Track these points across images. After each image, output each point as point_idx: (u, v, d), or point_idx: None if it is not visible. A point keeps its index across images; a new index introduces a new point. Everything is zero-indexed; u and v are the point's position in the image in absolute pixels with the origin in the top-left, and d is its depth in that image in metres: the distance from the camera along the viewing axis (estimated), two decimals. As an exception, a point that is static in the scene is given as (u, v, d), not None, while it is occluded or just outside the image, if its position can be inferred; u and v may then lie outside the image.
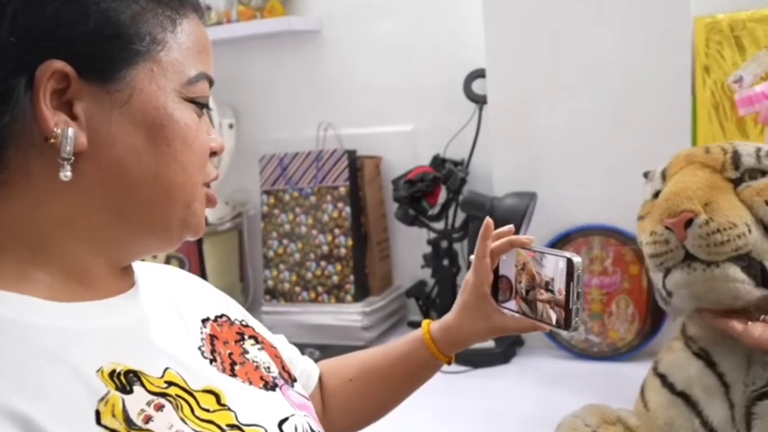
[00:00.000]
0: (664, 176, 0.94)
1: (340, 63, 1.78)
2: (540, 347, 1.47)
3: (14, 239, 0.54)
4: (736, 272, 0.81)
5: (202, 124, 0.60)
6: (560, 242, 1.46)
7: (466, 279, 0.82)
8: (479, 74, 1.53)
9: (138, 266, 0.65)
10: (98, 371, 0.52)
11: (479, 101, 1.55)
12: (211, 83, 0.62)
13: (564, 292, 0.71)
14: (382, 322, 1.67)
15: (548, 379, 1.35)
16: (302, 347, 1.54)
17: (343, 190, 1.65)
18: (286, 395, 0.68)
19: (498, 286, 0.81)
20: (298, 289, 1.69)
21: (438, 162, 1.57)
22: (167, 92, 0.56)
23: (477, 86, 1.55)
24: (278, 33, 1.76)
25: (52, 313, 0.53)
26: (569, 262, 0.70)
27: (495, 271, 0.80)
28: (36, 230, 0.54)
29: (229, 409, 0.59)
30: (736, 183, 0.86)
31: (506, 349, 1.42)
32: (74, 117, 0.53)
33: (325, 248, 1.66)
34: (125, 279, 0.62)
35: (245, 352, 0.69)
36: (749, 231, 0.81)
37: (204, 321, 0.68)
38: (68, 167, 0.52)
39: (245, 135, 1.87)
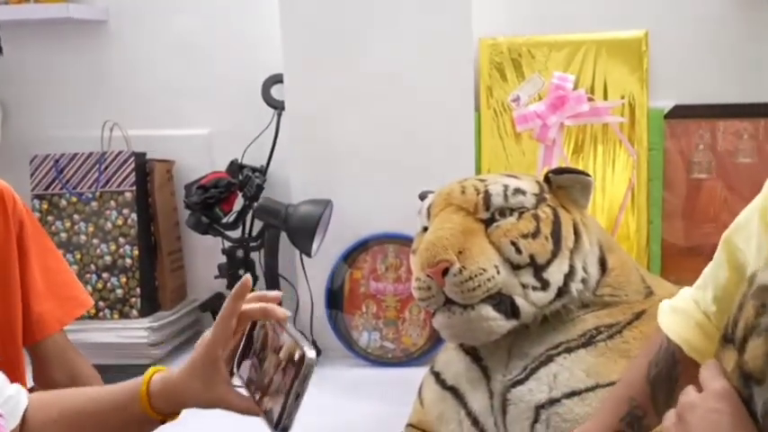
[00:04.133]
0: (429, 213, 1.02)
1: (129, 58, 1.73)
2: (337, 357, 1.52)
3: None
4: (488, 312, 0.92)
5: None
6: (357, 249, 1.52)
7: (203, 335, 0.76)
8: (278, 79, 1.55)
9: None
10: None
11: (278, 106, 1.57)
12: None
13: (288, 385, 0.66)
14: (174, 338, 1.65)
15: (345, 388, 1.39)
16: None
17: (129, 195, 1.60)
18: None
19: (245, 354, 0.76)
20: None
21: (235, 168, 1.58)
22: None
23: (275, 91, 1.57)
24: (56, 20, 1.67)
25: None
26: (301, 358, 0.65)
27: (248, 336, 0.76)
28: None
29: None
30: (488, 222, 0.96)
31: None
32: None
33: (108, 259, 1.61)
34: None
35: None
36: (498, 273, 0.93)
37: None
38: None
39: (13, 131, 1.75)
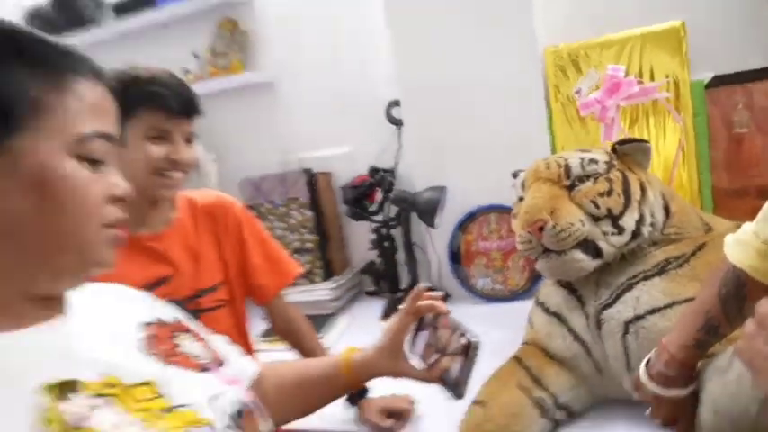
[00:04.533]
0: (523, 186, 1.00)
1: (293, 104, 1.76)
2: (460, 298, 1.51)
3: None
4: (578, 255, 0.89)
5: (100, 176, 0.51)
6: (467, 220, 1.50)
7: (389, 326, 0.74)
8: (396, 103, 1.55)
9: (78, 293, 0.56)
10: (34, 389, 0.46)
11: (398, 123, 1.57)
12: (111, 139, 0.52)
13: (460, 364, 0.65)
14: (345, 294, 1.68)
15: (468, 320, 1.33)
16: None
17: (304, 200, 1.64)
18: (217, 375, 0.63)
19: (416, 339, 0.73)
20: None
21: (373, 171, 1.58)
22: (54, 152, 0.47)
23: (395, 112, 1.57)
24: (241, 86, 1.75)
25: None
26: (468, 343, 0.65)
27: (417, 325, 0.73)
28: None
29: (163, 395, 0.53)
30: (570, 188, 0.93)
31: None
32: None
33: (297, 245, 1.66)
34: (53, 307, 0.53)
35: (178, 345, 0.62)
36: (582, 225, 0.89)
37: (143, 325, 0.61)
38: None
39: (226, 165, 1.83)
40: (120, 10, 1.73)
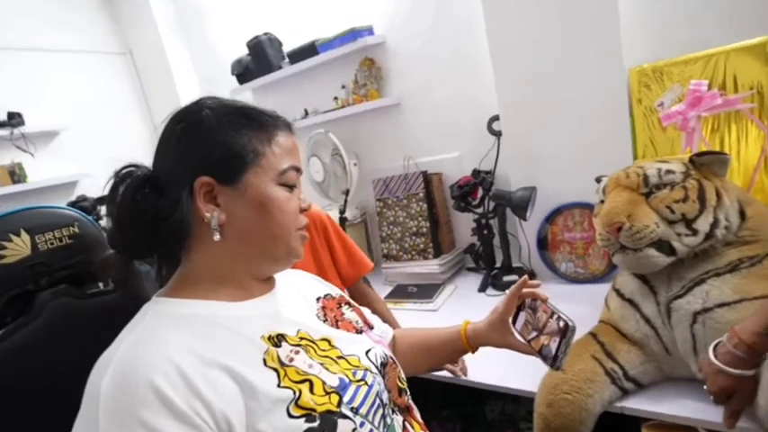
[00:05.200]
0: (604, 191, 0.95)
1: (413, 120, 1.78)
2: (547, 279, 1.45)
3: (204, 273, 0.56)
4: (652, 252, 0.83)
5: (294, 195, 0.57)
6: (554, 214, 1.44)
7: (497, 306, 0.74)
8: (496, 117, 1.52)
9: (278, 274, 0.63)
10: (261, 337, 0.53)
11: (497, 134, 1.54)
12: (299, 171, 0.58)
13: (558, 342, 0.63)
14: (451, 269, 1.69)
15: (553, 299, 1.32)
16: (406, 287, 1.63)
17: (421, 194, 1.66)
18: (368, 336, 0.66)
19: (517, 317, 0.73)
20: (401, 253, 1.71)
21: (476, 173, 1.57)
22: (267, 182, 0.55)
23: (495, 125, 1.54)
24: (376, 108, 1.79)
25: (232, 309, 0.54)
26: (566, 326, 0.63)
27: (519, 306, 0.72)
28: (213, 267, 0.55)
29: (337, 347, 0.58)
30: (648, 195, 0.86)
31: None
32: (217, 205, 0.54)
33: (414, 229, 1.69)
34: (268, 284, 0.61)
35: (343, 314, 0.67)
36: (657, 227, 0.82)
37: (318, 299, 0.67)
38: (217, 233, 0.54)
39: (364, 168, 1.90)
40: (293, 57, 1.89)
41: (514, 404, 1.34)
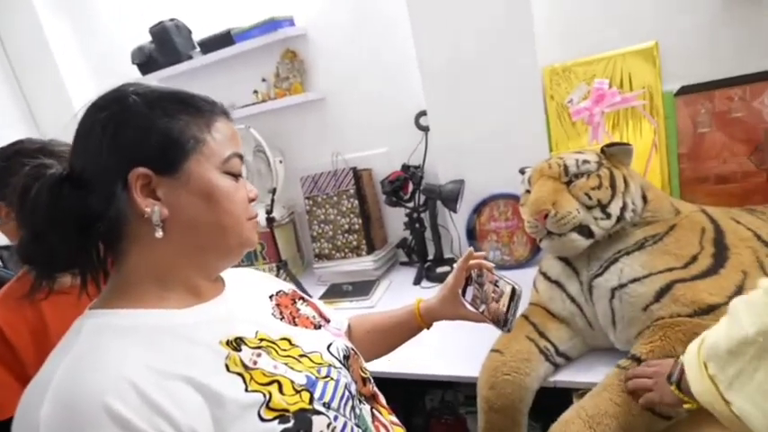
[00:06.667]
0: (529, 182, 1.00)
1: (339, 115, 1.75)
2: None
3: (146, 277, 0.51)
4: (575, 236, 0.90)
5: (241, 185, 0.55)
6: (481, 205, 1.50)
7: (447, 280, 0.76)
8: (423, 113, 1.55)
9: (226, 274, 0.61)
10: (219, 342, 0.50)
11: (425, 129, 1.57)
12: (241, 158, 0.56)
13: (506, 305, 0.66)
14: (384, 264, 1.70)
15: None
16: (341, 285, 1.60)
17: (351, 191, 1.65)
18: (327, 330, 0.66)
19: (466, 290, 0.75)
20: (334, 252, 1.69)
21: (405, 168, 1.59)
22: (211, 170, 0.52)
23: (422, 121, 1.57)
24: (299, 102, 1.74)
25: (183, 316, 0.51)
26: (513, 289, 0.66)
27: (467, 278, 0.75)
28: (156, 268, 0.51)
29: (297, 346, 0.57)
30: (568, 183, 0.93)
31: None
32: (157, 199, 0.50)
33: (346, 226, 1.67)
34: (218, 285, 0.58)
35: (299, 310, 0.66)
36: (578, 213, 0.90)
37: (271, 296, 0.65)
38: (159, 229, 0.50)
39: (290, 164, 1.84)
40: (206, 46, 1.76)
41: (453, 390, 1.39)
